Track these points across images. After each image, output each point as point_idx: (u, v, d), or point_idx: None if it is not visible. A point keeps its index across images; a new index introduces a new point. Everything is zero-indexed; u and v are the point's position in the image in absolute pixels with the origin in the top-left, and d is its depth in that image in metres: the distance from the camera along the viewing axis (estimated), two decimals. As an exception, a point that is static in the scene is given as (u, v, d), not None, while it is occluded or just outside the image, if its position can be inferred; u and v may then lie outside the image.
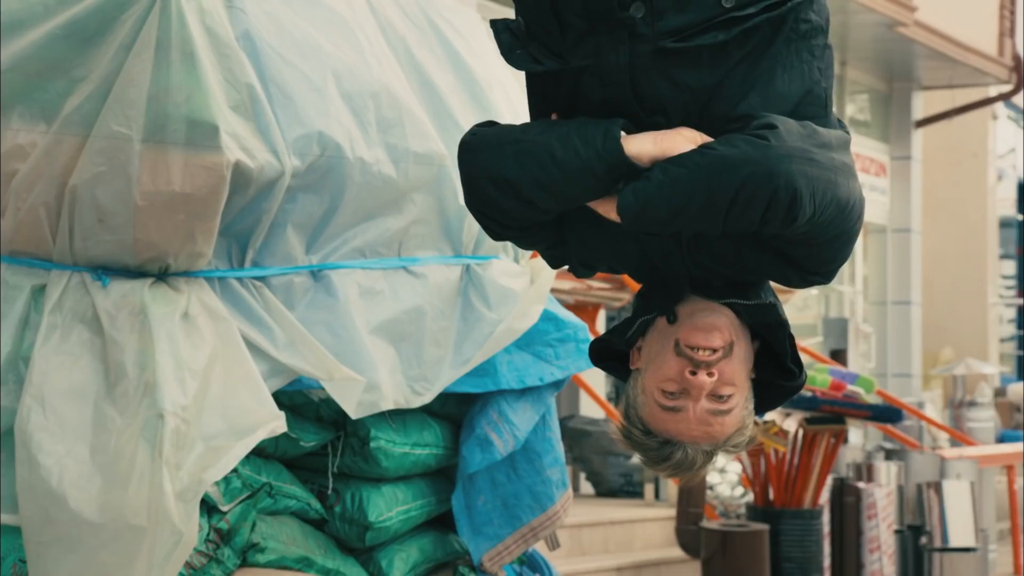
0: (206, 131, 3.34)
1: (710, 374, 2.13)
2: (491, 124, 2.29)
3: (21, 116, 3.42)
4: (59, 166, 3.37)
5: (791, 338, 2.27)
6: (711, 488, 7.97)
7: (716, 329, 2.17)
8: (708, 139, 2.13)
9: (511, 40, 2.28)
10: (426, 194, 3.89)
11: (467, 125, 4.03)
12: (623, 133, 2.14)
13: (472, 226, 3.98)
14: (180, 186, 3.36)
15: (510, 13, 2.32)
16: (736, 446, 2.23)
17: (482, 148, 2.23)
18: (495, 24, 2.33)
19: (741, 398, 2.20)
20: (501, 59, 2.37)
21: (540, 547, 4.80)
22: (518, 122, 2.37)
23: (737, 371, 2.15)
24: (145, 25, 3.34)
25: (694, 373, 2.12)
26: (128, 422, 3.27)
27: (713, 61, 2.15)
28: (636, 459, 9.09)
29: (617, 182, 2.15)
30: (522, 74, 2.34)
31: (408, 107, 3.79)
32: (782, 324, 2.25)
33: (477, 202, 2.23)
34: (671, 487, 8.55)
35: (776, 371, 2.27)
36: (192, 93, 3.34)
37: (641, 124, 2.16)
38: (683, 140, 2.13)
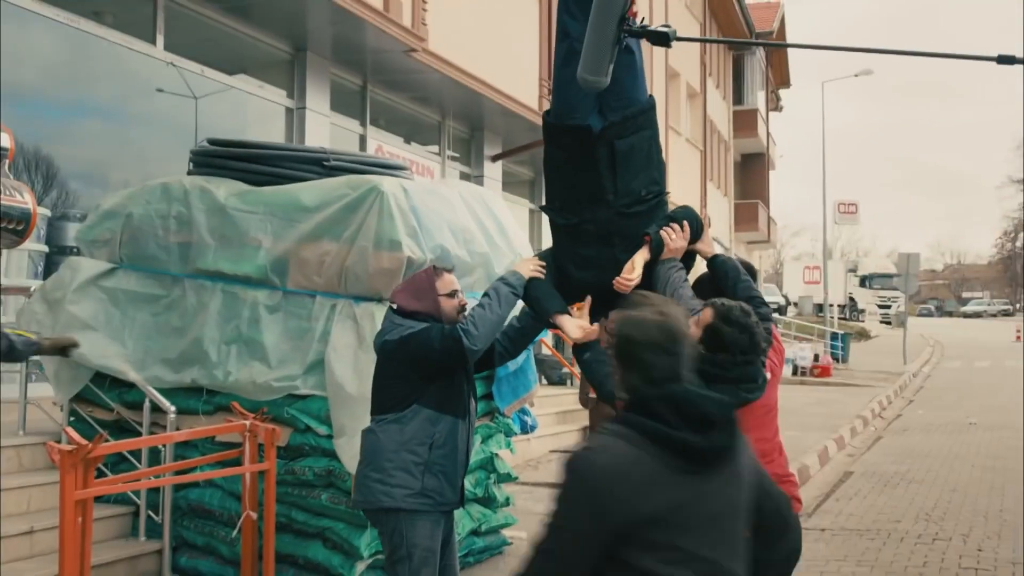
0: (395, 245, 6.99)
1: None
2: None
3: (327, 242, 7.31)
4: (341, 258, 7.21)
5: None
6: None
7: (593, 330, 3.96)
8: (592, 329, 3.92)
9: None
10: (480, 269, 7.53)
11: (501, 243, 7.92)
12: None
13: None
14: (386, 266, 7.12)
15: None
16: None
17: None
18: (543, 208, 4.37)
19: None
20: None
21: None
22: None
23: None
24: (372, 209, 7.12)
25: None
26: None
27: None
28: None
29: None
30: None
31: (474, 234, 7.34)
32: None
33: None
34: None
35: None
36: (392, 233, 7.00)
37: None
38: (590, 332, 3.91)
